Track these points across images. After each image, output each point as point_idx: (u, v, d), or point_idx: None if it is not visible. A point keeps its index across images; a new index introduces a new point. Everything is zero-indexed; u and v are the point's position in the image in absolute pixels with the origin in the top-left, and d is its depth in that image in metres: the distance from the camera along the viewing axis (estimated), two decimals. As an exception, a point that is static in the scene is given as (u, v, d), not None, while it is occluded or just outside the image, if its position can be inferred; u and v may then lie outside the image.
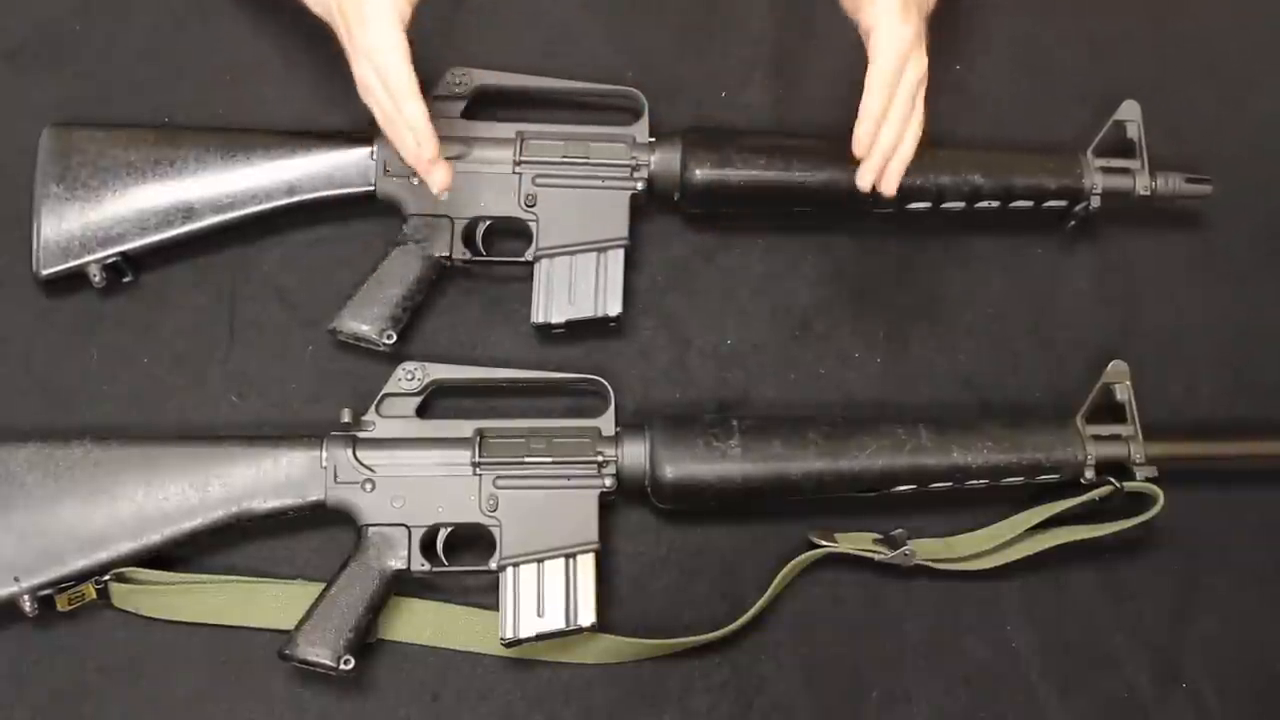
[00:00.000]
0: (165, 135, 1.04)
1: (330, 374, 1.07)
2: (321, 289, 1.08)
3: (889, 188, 0.95)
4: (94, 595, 0.96)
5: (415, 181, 1.04)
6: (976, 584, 1.08)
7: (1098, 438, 1.05)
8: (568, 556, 0.98)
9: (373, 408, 1.00)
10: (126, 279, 1.05)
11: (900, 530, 1.04)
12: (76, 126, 1.04)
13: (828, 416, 1.04)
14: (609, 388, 1.02)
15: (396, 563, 0.97)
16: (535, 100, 1.09)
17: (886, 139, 0.93)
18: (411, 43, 0.89)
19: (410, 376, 1.01)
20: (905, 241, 1.16)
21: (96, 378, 1.06)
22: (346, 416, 0.99)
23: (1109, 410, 1.06)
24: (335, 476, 0.98)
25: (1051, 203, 1.10)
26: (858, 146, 0.93)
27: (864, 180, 0.94)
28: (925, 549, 1.05)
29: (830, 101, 1.17)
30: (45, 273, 1.01)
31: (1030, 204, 1.09)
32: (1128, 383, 1.07)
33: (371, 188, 1.04)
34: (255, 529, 1.00)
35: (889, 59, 0.91)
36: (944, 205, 1.08)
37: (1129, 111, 1.11)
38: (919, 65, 0.93)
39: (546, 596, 0.97)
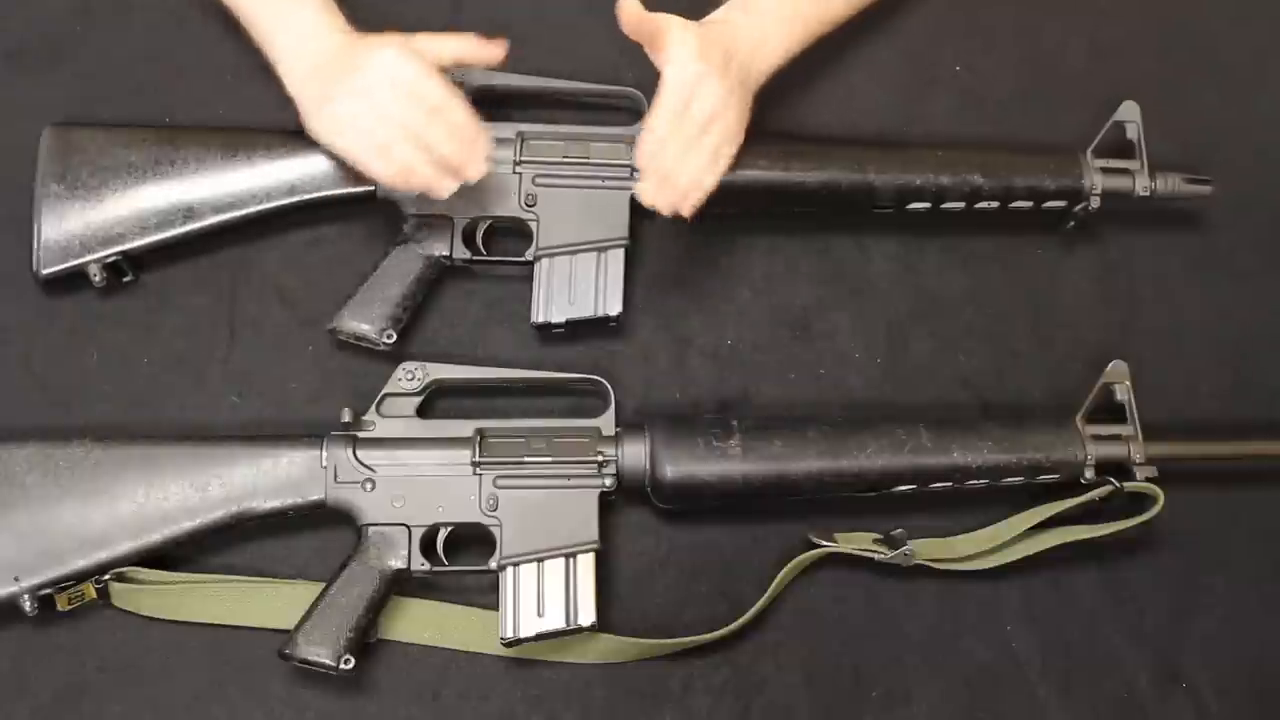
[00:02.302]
0: (165, 135, 1.04)
1: (330, 374, 1.07)
2: (321, 289, 1.08)
3: (685, 210, 0.98)
4: (94, 595, 0.96)
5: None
6: (976, 584, 1.08)
7: (1098, 438, 1.05)
8: (568, 556, 0.98)
9: (373, 407, 1.00)
10: (126, 279, 1.05)
11: (900, 530, 1.04)
12: (76, 126, 1.04)
13: (828, 416, 1.04)
14: (609, 388, 1.02)
15: (397, 562, 0.97)
16: (535, 100, 1.10)
17: (677, 168, 0.96)
18: None
19: (410, 376, 1.01)
20: (905, 241, 1.16)
21: (96, 378, 1.06)
22: (347, 416, 0.99)
23: (1109, 410, 1.06)
24: (335, 476, 0.98)
25: (1051, 203, 1.10)
26: (638, 158, 0.96)
27: (647, 195, 0.96)
28: (925, 549, 1.05)
29: (830, 101, 1.17)
30: (45, 272, 1.01)
31: (1030, 204, 1.09)
32: (1128, 383, 1.06)
33: (372, 187, 1.04)
34: (255, 529, 1.00)
35: (669, 97, 0.95)
36: (944, 205, 1.08)
37: (1128, 112, 1.11)
38: (707, 100, 0.96)
39: (546, 596, 0.97)
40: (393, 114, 0.93)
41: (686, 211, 0.98)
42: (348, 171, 1.02)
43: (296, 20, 0.99)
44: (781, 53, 1.04)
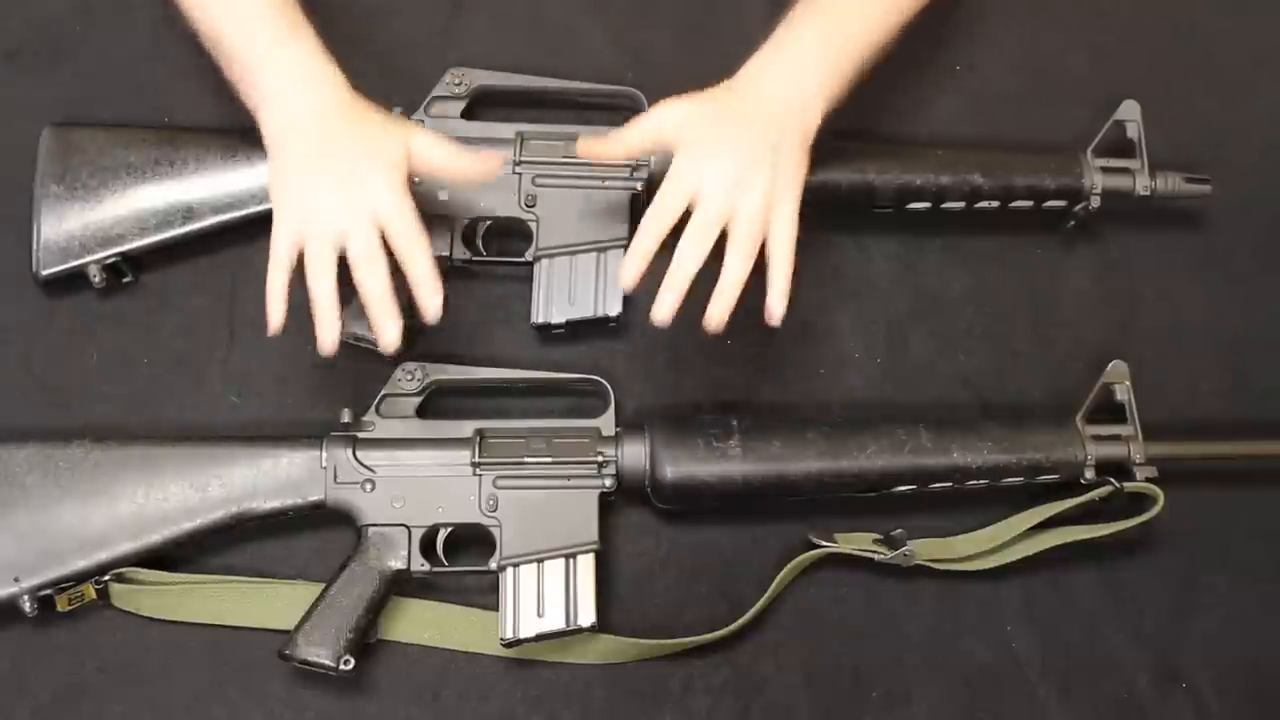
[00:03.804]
0: (165, 135, 1.04)
1: (330, 374, 1.07)
2: (321, 289, 1.07)
3: (714, 324, 0.91)
4: (94, 595, 0.96)
5: (415, 180, 1.04)
6: (976, 584, 1.08)
7: (1098, 438, 1.05)
8: (568, 556, 0.98)
9: (373, 408, 1.00)
10: (126, 279, 1.05)
11: (900, 530, 1.04)
12: (76, 126, 1.03)
13: (828, 416, 1.04)
14: (609, 388, 1.02)
15: (396, 563, 0.97)
16: (535, 100, 1.09)
17: (676, 278, 0.89)
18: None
19: (410, 377, 1.01)
20: (905, 241, 1.16)
21: (96, 378, 1.06)
22: (346, 416, 0.99)
23: (1109, 410, 1.06)
24: (335, 477, 0.97)
25: (1051, 203, 1.10)
26: (621, 278, 0.90)
27: (659, 313, 0.89)
28: (925, 549, 1.05)
29: (830, 101, 1.17)
30: (45, 273, 1.01)
31: (1030, 204, 1.09)
32: (1128, 383, 1.06)
33: (372, 187, 1.04)
34: (255, 529, 1.00)
35: (663, 196, 0.89)
36: (944, 205, 1.08)
37: (1129, 111, 1.11)
38: (716, 203, 0.89)
39: (546, 596, 0.97)
40: (365, 253, 0.88)
41: (715, 324, 0.91)
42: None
43: (287, 61, 0.91)
44: (830, 95, 0.95)
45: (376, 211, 0.88)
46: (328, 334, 0.89)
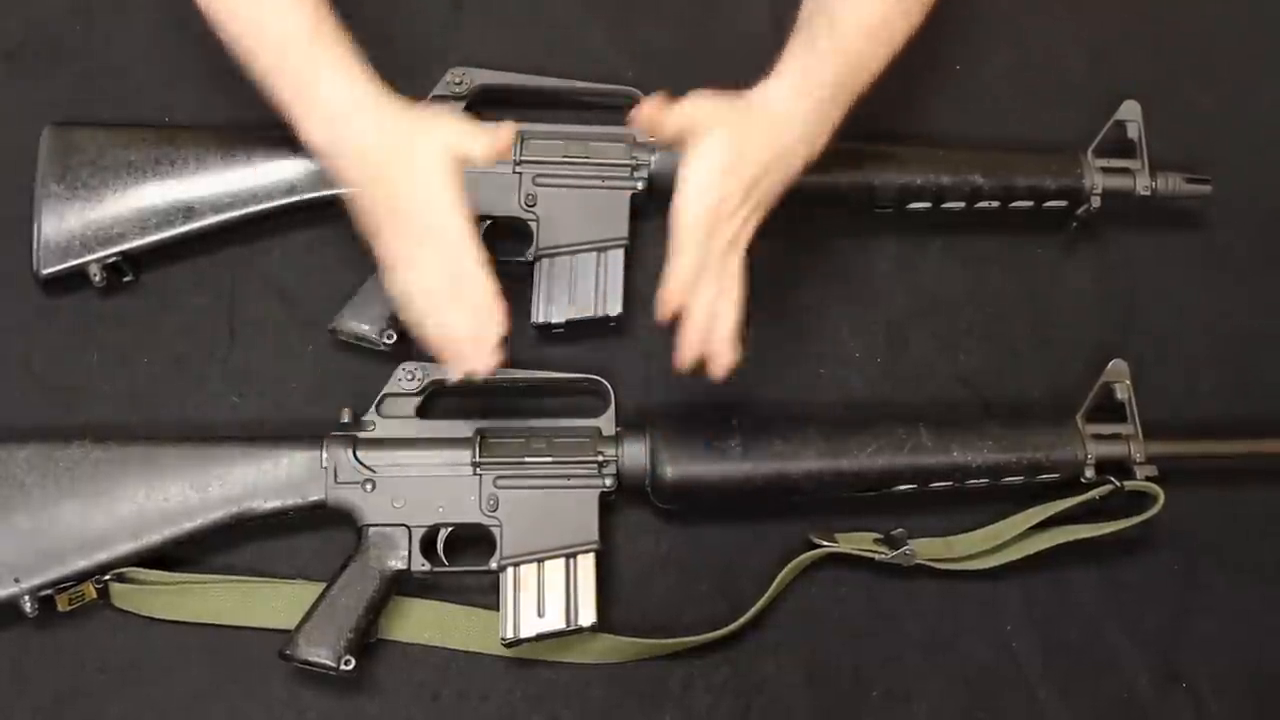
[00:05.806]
0: (165, 135, 1.04)
1: (330, 374, 1.07)
2: (321, 289, 1.07)
3: (719, 370, 0.90)
4: (94, 595, 0.96)
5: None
6: (976, 584, 1.08)
7: (1098, 437, 1.05)
8: (568, 556, 0.98)
9: (373, 408, 1.00)
10: (126, 279, 1.05)
11: (900, 530, 1.04)
12: (76, 126, 1.03)
13: (828, 416, 1.04)
14: (609, 388, 1.02)
15: (397, 563, 0.97)
16: (535, 100, 1.09)
17: (699, 311, 0.88)
18: None
19: (410, 376, 1.00)
20: (905, 241, 1.16)
21: (96, 378, 1.06)
22: (346, 416, 0.99)
23: (1109, 409, 1.06)
24: (335, 477, 0.97)
25: (1052, 203, 1.10)
26: (662, 311, 0.87)
27: (685, 360, 0.89)
28: (925, 549, 1.05)
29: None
30: (45, 273, 1.01)
31: (1030, 204, 1.09)
32: (1127, 382, 1.07)
33: (372, 187, 1.04)
34: (255, 529, 1.00)
35: (694, 218, 0.85)
36: (944, 205, 1.08)
37: (1129, 112, 1.11)
38: (730, 228, 0.87)
39: (547, 596, 0.97)
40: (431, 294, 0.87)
41: (722, 374, 0.90)
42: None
43: (326, 92, 0.87)
44: (815, 155, 0.94)
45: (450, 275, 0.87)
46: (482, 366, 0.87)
